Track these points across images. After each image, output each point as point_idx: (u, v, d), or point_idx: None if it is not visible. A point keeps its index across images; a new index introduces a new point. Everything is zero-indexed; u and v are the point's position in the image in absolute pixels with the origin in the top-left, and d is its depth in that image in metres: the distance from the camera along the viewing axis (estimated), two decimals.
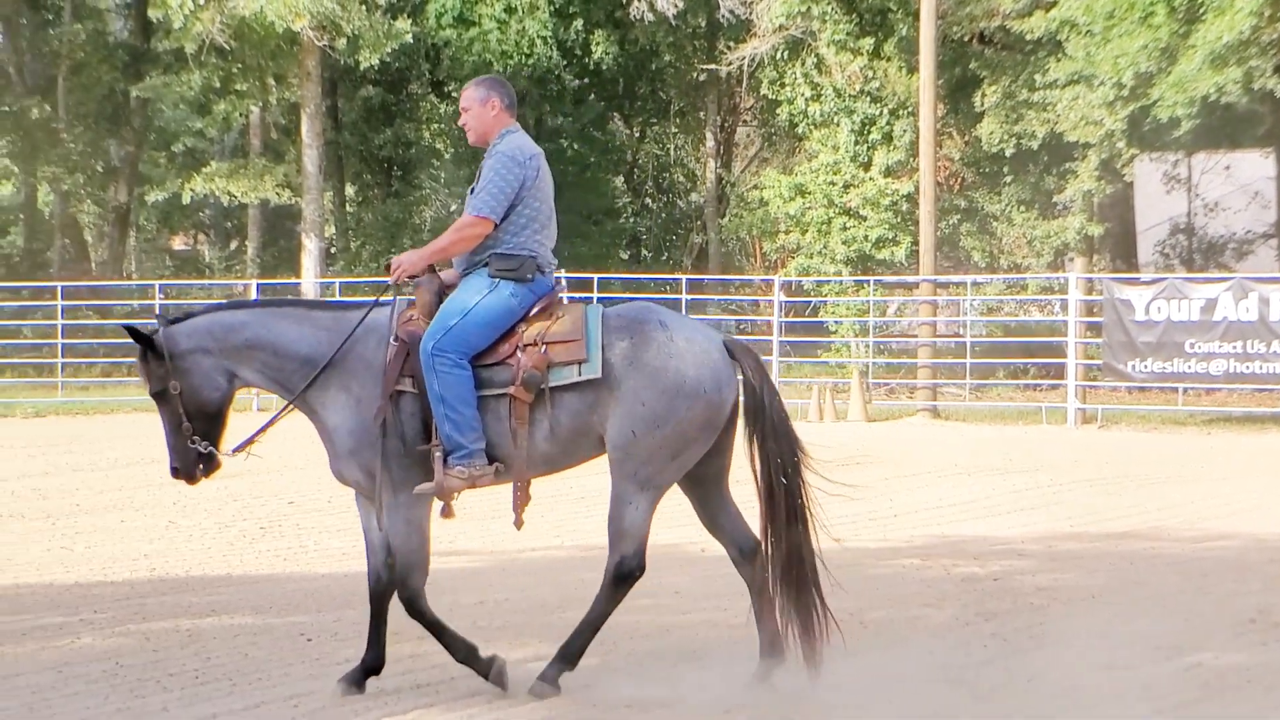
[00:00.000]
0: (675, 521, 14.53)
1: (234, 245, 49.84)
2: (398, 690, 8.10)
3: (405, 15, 39.45)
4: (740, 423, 8.19)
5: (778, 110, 39.36)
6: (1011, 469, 19.97)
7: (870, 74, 35.40)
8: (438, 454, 7.86)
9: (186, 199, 41.37)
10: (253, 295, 35.02)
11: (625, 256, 48.08)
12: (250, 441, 8.20)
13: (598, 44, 45.21)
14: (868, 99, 35.67)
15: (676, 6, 41.52)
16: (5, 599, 10.33)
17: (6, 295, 35.23)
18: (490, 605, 10.71)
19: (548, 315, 8.06)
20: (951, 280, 33.23)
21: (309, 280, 38.53)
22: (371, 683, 8.12)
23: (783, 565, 8.05)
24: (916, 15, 31.46)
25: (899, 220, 35.49)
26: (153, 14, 37.39)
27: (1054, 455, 21.83)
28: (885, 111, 35.79)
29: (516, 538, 13.89)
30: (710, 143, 47.42)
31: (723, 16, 42.50)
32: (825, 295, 35.01)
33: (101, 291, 37.05)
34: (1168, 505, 16.50)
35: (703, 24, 45.36)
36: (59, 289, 34.24)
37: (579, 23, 44.16)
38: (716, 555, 12.92)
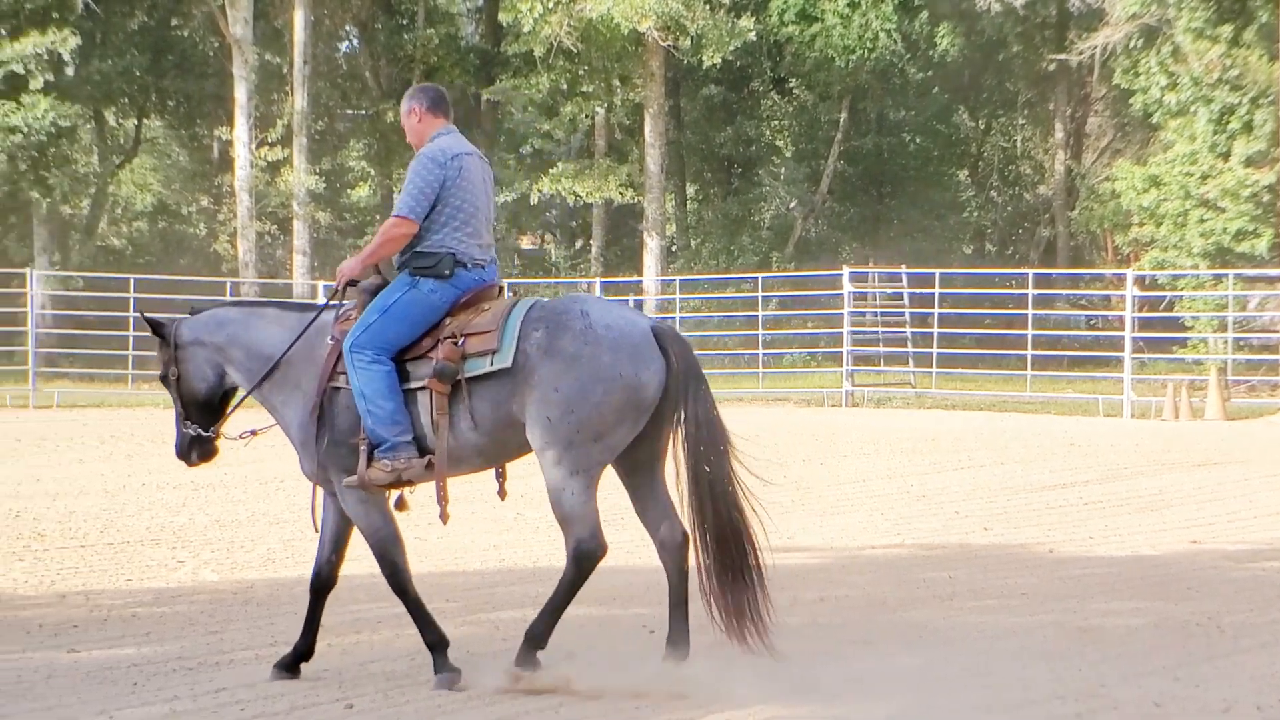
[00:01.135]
0: (1025, 521, 14.25)
1: (579, 244, 50.74)
2: (735, 682, 8.03)
3: (748, 13, 39.60)
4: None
5: (1131, 100, 38.32)
6: None
7: (1229, 62, 34.20)
8: (363, 448, 8.08)
9: (534, 199, 42.35)
10: (596, 294, 35.34)
11: (969, 251, 47.39)
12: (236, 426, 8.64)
13: (943, 36, 44.67)
14: (1226, 87, 34.48)
15: None
16: (363, 587, 10.65)
17: None
18: (830, 602, 10.61)
19: (473, 309, 8.19)
20: None
21: (650, 278, 39.00)
22: (708, 676, 8.05)
23: (713, 553, 8.04)
24: (1278, 2, 30.22)
25: (1260, 212, 34.23)
26: (503, 18, 38.41)
27: None
28: (1245, 100, 34.52)
29: (857, 534, 13.86)
30: (1059, 134, 46.45)
31: (1073, 6, 41.62)
32: (1181, 290, 33.98)
33: None
34: None
35: (1052, 14, 44.51)
36: None
37: (924, 15, 43.72)
38: (1064, 556, 12.65)
